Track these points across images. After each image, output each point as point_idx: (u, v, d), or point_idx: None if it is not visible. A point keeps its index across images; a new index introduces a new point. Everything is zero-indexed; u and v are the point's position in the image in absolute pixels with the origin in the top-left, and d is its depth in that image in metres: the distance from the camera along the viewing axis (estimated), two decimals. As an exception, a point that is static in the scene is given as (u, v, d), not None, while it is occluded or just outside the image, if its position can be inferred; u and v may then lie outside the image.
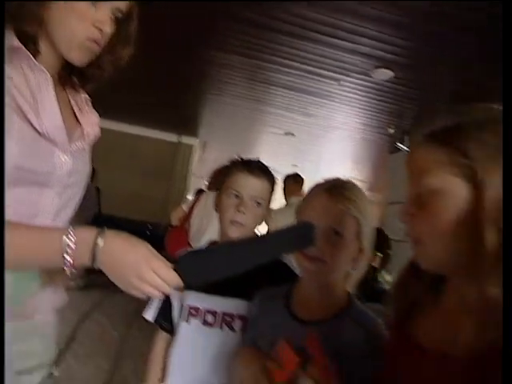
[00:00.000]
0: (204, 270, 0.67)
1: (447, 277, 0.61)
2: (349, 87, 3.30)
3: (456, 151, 0.56)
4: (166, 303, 1.05)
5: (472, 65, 2.65)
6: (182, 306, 1.01)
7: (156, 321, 1.07)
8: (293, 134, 4.81)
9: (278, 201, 3.15)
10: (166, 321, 1.05)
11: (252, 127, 4.87)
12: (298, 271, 0.98)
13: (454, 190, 0.56)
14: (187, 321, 0.99)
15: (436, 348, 0.56)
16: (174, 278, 0.64)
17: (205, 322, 0.97)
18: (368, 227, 0.82)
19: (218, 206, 1.04)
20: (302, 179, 3.24)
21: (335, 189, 0.83)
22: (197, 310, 0.98)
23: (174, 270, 0.64)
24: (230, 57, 3.05)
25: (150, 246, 0.67)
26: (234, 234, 0.98)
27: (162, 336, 1.08)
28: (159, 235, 3.15)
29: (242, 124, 4.79)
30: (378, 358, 0.71)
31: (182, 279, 0.65)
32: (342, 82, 3.23)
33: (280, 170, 3.46)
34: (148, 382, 1.06)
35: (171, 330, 1.05)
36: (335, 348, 0.72)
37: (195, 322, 0.98)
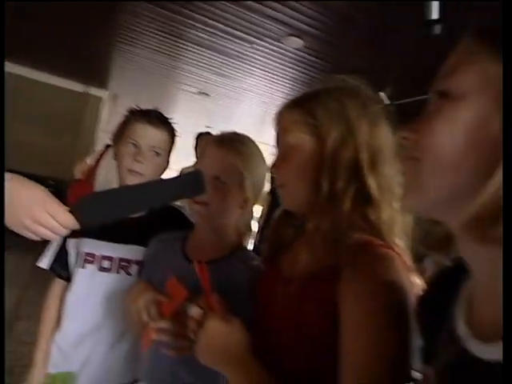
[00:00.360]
0: (99, 212, 0.70)
1: (307, 215, 0.73)
2: (261, 51, 3.36)
3: (307, 114, 0.69)
4: (62, 251, 1.06)
5: (373, 43, 2.89)
6: (78, 252, 1.03)
7: (51, 268, 1.08)
8: (207, 94, 4.77)
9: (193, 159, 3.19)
10: (62, 268, 1.07)
11: (165, 83, 4.70)
12: (193, 220, 1.07)
13: (304, 145, 0.69)
14: (83, 267, 1.02)
15: (289, 270, 0.69)
16: (69, 220, 0.67)
17: (101, 268, 1.01)
18: (252, 180, 0.91)
19: (117, 156, 1.06)
20: (214, 138, 3.29)
21: (226, 141, 0.92)
22: (93, 256, 1.02)
23: (70, 212, 0.67)
24: (141, 5, 2.88)
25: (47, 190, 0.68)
26: (132, 183, 1.01)
27: (57, 283, 1.09)
28: (62, 191, 2.98)
29: (155, 79, 4.59)
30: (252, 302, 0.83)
31: (78, 220, 0.67)
32: (254, 46, 3.27)
33: (193, 130, 3.47)
34: (43, 328, 1.07)
35: (67, 278, 1.07)
36: (225, 286, 0.83)
37: (91, 268, 1.02)
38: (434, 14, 2.07)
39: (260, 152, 0.97)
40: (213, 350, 0.66)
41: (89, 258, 1.01)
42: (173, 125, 1.08)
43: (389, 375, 0.54)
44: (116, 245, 1.01)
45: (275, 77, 3.95)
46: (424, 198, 0.42)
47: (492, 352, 0.36)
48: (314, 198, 0.68)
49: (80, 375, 1.01)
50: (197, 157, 3.27)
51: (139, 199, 0.74)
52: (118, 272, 1.01)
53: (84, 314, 1.01)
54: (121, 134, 1.05)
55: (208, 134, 3.28)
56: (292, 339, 0.67)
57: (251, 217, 0.98)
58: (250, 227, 0.99)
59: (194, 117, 5.93)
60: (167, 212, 1.08)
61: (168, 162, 1.09)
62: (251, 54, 3.49)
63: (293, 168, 0.71)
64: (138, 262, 1.01)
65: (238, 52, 3.47)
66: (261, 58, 3.52)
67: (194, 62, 3.89)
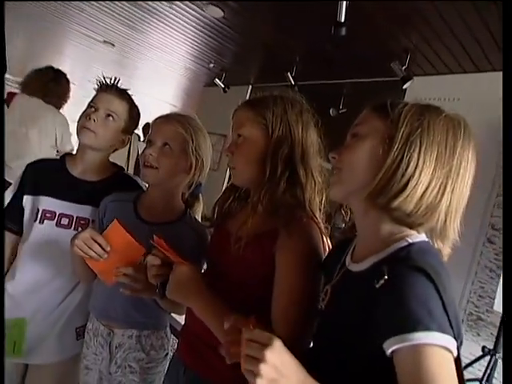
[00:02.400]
0: None
1: (251, 191, 0.97)
2: (180, 14, 3.35)
3: (258, 114, 0.93)
4: (14, 207, 1.12)
5: (284, 26, 3.15)
6: (33, 209, 1.11)
7: None
8: (113, 44, 4.51)
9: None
10: (12, 222, 1.13)
11: (67, 25, 4.28)
12: (142, 184, 1.22)
13: (255, 138, 0.93)
14: (41, 222, 1.10)
15: (235, 233, 0.92)
16: None
17: (59, 224, 1.11)
18: (195, 147, 1.10)
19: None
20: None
21: (173, 116, 1.11)
22: (52, 213, 1.11)
23: None
24: None
25: None
26: (85, 139, 1.13)
27: (6, 237, 1.15)
28: None
29: (56, 19, 4.15)
30: (205, 256, 1.04)
31: None
32: (173, 6, 3.25)
33: (91, 78, 3.32)
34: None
35: (17, 232, 1.13)
36: (175, 245, 1.02)
37: (49, 223, 1.11)
38: (342, 17, 2.41)
39: (201, 126, 1.15)
40: (179, 287, 0.88)
41: (48, 215, 1.10)
42: (132, 98, 1.20)
43: (304, 311, 0.83)
44: (73, 204, 1.11)
45: (186, 40, 3.96)
46: (343, 191, 0.73)
47: (358, 267, 0.70)
48: (258, 179, 0.92)
49: (31, 321, 1.11)
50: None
51: None
52: (75, 229, 1.11)
53: (38, 265, 1.10)
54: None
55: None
56: (240, 278, 0.92)
57: (196, 183, 1.16)
58: (197, 196, 1.19)
59: (93, 65, 5.53)
60: (120, 177, 1.21)
61: (123, 128, 1.20)
62: (167, 13, 3.44)
63: (243, 154, 0.94)
64: (94, 221, 1.13)
65: (155, 9, 3.39)
66: (176, 19, 3.50)
67: (103, 9, 3.66)
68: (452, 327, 0.55)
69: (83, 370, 1.14)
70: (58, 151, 2.58)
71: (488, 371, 2.14)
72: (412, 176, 0.63)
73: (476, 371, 2.28)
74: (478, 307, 2.58)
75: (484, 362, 2.22)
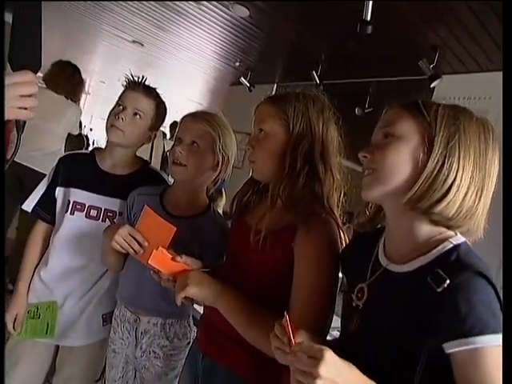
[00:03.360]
0: None
1: (270, 185, 0.99)
2: (207, 13, 3.41)
3: (280, 110, 0.94)
4: (48, 198, 1.19)
5: (310, 25, 3.15)
6: (65, 201, 1.17)
7: (34, 211, 1.20)
8: (141, 44, 4.63)
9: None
10: (45, 212, 1.20)
11: (97, 25, 4.43)
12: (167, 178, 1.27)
13: (275, 133, 0.95)
14: (72, 213, 1.17)
15: (255, 226, 0.94)
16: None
17: (88, 215, 1.18)
18: (222, 145, 1.13)
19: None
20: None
21: (200, 114, 1.14)
22: (82, 205, 1.17)
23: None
24: None
25: None
26: (113, 137, 1.18)
27: (40, 225, 1.22)
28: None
29: (86, 19, 4.31)
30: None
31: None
32: (201, 6, 3.31)
33: (120, 78, 3.42)
34: (26, 264, 1.21)
35: (50, 221, 1.21)
36: (197, 239, 1.06)
37: (79, 215, 1.17)
38: (368, 16, 2.39)
39: (228, 125, 1.19)
40: (199, 287, 0.91)
41: (78, 207, 1.17)
42: (159, 96, 1.24)
43: (323, 305, 0.85)
44: (102, 197, 1.18)
45: (213, 39, 4.01)
46: (380, 192, 0.71)
47: (403, 268, 0.69)
48: (277, 173, 0.94)
49: (63, 306, 1.19)
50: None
51: None
52: (103, 220, 1.18)
53: (70, 253, 1.17)
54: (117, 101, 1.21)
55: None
56: (258, 271, 0.94)
57: (221, 179, 1.21)
58: (221, 191, 1.22)
59: (123, 65, 5.69)
60: (146, 172, 1.26)
61: (150, 125, 1.25)
62: (195, 13, 3.51)
63: (264, 149, 0.96)
64: (121, 213, 1.19)
65: (182, 9, 3.46)
66: (203, 19, 3.56)
67: (131, 8, 3.77)
68: None
69: (110, 353, 1.21)
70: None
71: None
72: (454, 181, 0.65)
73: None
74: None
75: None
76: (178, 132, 1.14)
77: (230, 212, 1.10)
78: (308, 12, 2.96)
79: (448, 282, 0.59)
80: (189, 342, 1.20)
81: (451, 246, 0.66)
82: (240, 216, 1.07)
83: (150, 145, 3.92)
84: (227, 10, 3.21)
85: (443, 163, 0.65)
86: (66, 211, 1.17)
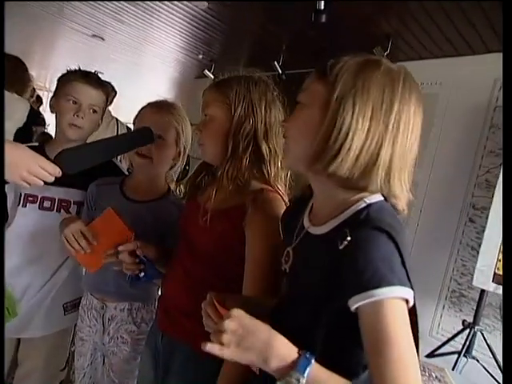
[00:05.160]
0: (77, 161, 0.92)
1: (219, 167, 1.02)
2: (167, 5, 3.38)
3: (222, 94, 0.98)
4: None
5: (270, 15, 3.18)
6: (20, 194, 1.18)
7: None
8: (102, 38, 4.54)
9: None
10: None
11: (55, 20, 4.31)
12: (123, 169, 1.29)
13: (218, 117, 0.99)
14: (24, 206, 1.17)
15: (204, 204, 0.99)
16: (56, 169, 0.87)
17: (42, 207, 1.18)
18: (184, 137, 1.18)
19: (57, 109, 1.21)
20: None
21: (163, 106, 1.16)
22: (34, 197, 1.18)
23: (54, 163, 0.87)
24: None
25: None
26: (73, 135, 1.19)
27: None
28: None
29: (44, 14, 4.18)
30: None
31: (62, 169, 0.88)
32: (159, -2, 3.29)
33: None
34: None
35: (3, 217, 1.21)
36: (159, 222, 1.10)
37: (32, 206, 1.18)
38: (321, 5, 2.46)
39: (186, 115, 1.22)
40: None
41: (30, 199, 1.17)
42: (112, 87, 1.26)
43: (272, 274, 0.89)
44: (55, 187, 1.18)
45: (174, 32, 3.99)
46: (290, 158, 0.74)
47: (319, 230, 0.71)
48: (222, 156, 0.98)
49: (22, 299, 1.19)
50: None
51: (108, 149, 0.96)
52: (58, 211, 1.18)
53: (25, 246, 1.18)
54: (60, 90, 1.19)
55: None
56: (208, 249, 0.99)
57: (182, 166, 1.25)
58: (179, 175, 1.26)
59: (84, 60, 5.55)
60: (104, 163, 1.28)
61: (102, 117, 1.27)
62: (154, 5, 3.47)
63: (209, 132, 1.00)
64: (76, 203, 1.21)
65: (142, 1, 3.43)
66: (165, 13, 3.54)
67: (91, 2, 3.69)
68: (409, 279, 0.59)
69: (78, 341, 1.23)
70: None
71: (467, 343, 2.23)
72: (344, 140, 0.63)
73: (458, 345, 2.36)
74: (461, 284, 2.66)
75: (464, 335, 2.31)
76: (141, 123, 1.16)
77: (184, 193, 1.14)
78: (267, 2, 3.00)
79: (349, 238, 0.60)
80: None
81: (364, 205, 0.66)
82: (192, 197, 1.11)
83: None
84: (186, 2, 3.20)
85: (335, 122, 0.63)
86: (18, 204, 1.17)
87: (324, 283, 0.65)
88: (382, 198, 0.68)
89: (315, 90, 0.69)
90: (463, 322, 2.33)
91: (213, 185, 1.01)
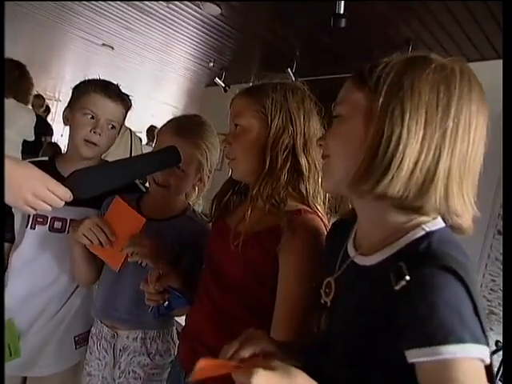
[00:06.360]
0: (91, 185, 0.80)
1: (251, 184, 0.91)
2: (178, 12, 3.31)
3: (256, 102, 0.87)
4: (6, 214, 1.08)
5: (282, 21, 3.10)
6: (28, 216, 1.07)
7: None
8: (112, 47, 4.49)
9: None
10: (5, 229, 1.09)
11: (65, 29, 4.27)
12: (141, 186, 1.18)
13: (253, 128, 0.88)
14: (33, 228, 1.06)
15: (234, 228, 0.88)
16: (67, 193, 0.76)
17: (52, 228, 1.07)
18: (208, 165, 1.07)
19: (71, 123, 1.09)
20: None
21: (184, 131, 1.02)
22: (44, 218, 1.06)
23: (64, 185, 0.75)
24: None
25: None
26: (88, 153, 1.07)
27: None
28: None
29: (53, 23, 4.14)
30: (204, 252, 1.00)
31: (73, 193, 0.76)
32: (170, 5, 3.22)
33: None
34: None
35: (10, 239, 1.10)
36: (177, 239, 0.99)
37: (41, 229, 1.07)
38: (340, 9, 2.36)
39: (215, 137, 1.09)
40: None
41: (40, 220, 1.06)
42: (128, 99, 1.14)
43: (307, 304, 0.77)
44: (66, 207, 1.07)
45: (185, 39, 3.92)
46: (332, 180, 0.64)
47: (367, 261, 0.60)
48: (257, 171, 0.87)
49: (28, 333, 1.07)
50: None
51: (127, 172, 0.84)
52: (69, 232, 1.07)
53: (33, 272, 1.07)
54: (76, 102, 1.08)
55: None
56: (239, 276, 0.87)
57: (203, 189, 1.13)
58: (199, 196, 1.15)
59: (94, 69, 5.52)
60: None
61: (119, 132, 1.15)
62: (165, 13, 3.41)
63: (242, 145, 0.88)
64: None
65: (152, 8, 3.36)
66: (176, 19, 3.47)
67: (99, 10, 3.64)
68: (484, 332, 0.48)
69: (86, 376, 1.11)
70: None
71: (502, 366, 2.08)
72: (394, 154, 0.52)
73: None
74: (490, 301, 2.51)
75: (498, 356, 2.15)
76: (161, 145, 1.01)
77: (210, 214, 1.03)
78: (280, 8, 2.91)
79: (408, 278, 0.49)
80: (172, 360, 1.11)
81: (423, 233, 0.54)
82: (220, 218, 1.00)
83: (129, 151, 3.79)
84: (198, 9, 3.13)
85: (382, 133, 0.53)
86: (27, 226, 1.06)
87: (374, 324, 0.54)
88: (444, 225, 0.57)
89: (354, 100, 0.60)
90: (496, 342, 2.17)
91: (245, 205, 0.90)
